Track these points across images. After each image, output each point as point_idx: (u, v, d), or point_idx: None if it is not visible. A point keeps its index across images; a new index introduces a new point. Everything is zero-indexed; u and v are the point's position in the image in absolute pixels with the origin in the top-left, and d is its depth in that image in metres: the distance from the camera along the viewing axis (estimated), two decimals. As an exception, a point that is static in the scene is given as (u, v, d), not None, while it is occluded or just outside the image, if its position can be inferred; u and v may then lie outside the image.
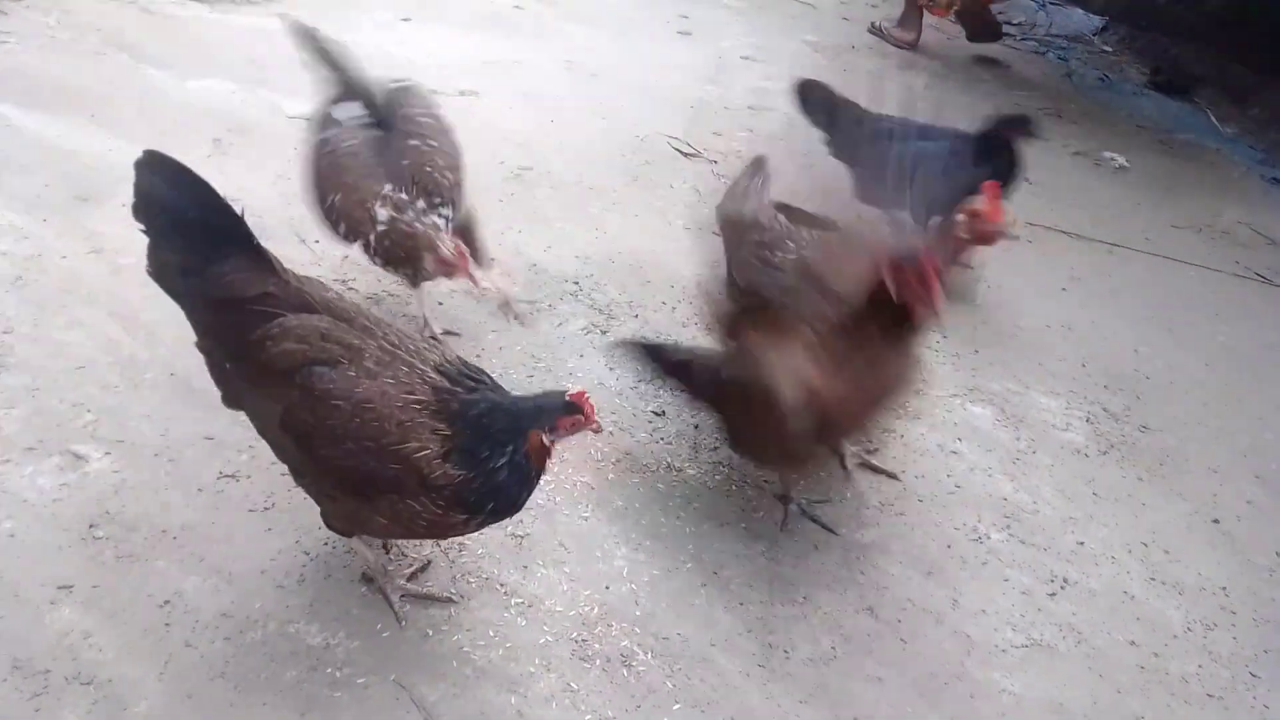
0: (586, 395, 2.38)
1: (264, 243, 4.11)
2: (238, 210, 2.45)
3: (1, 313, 3.48)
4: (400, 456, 2.26)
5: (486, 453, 2.30)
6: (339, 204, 3.36)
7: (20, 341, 3.34)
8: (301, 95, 5.39)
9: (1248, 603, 3.21)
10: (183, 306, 2.48)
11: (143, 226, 2.42)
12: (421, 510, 2.32)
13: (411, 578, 2.74)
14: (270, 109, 5.20)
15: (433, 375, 2.37)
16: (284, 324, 2.32)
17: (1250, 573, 3.34)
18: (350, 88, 3.69)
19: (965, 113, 6.96)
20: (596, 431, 2.50)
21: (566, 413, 2.36)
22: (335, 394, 2.28)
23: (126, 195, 4.21)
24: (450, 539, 2.80)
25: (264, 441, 3.04)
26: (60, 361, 3.28)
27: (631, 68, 6.71)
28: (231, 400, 2.57)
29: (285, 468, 2.99)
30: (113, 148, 4.50)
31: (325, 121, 3.62)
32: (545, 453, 2.36)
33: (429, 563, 2.80)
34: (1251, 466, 3.85)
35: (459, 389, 2.36)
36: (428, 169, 3.38)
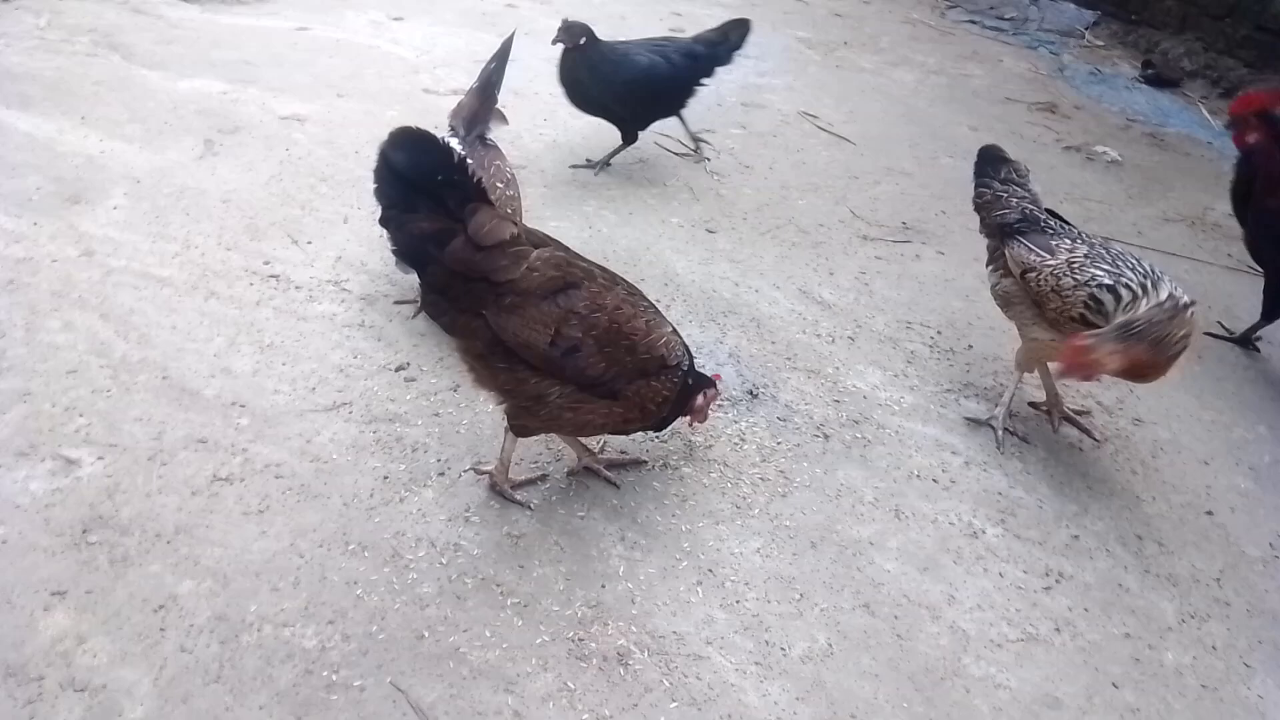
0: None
1: (258, 244, 4.13)
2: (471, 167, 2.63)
3: (-7, 317, 3.47)
4: (651, 345, 2.85)
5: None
6: None
7: (12, 345, 3.33)
8: (292, 95, 5.41)
9: (1241, 594, 3.22)
10: (429, 274, 2.69)
11: (391, 204, 2.62)
12: (659, 388, 2.89)
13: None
14: (261, 109, 5.19)
15: (640, 294, 2.96)
16: (540, 255, 2.72)
17: (1244, 564, 3.35)
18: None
19: (960, 107, 7.00)
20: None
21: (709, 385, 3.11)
22: (594, 308, 2.75)
23: (119, 196, 4.19)
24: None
25: (255, 444, 3.05)
26: (52, 365, 3.27)
27: (624, 65, 6.69)
28: (476, 354, 2.79)
29: (281, 468, 3.01)
30: (105, 149, 4.49)
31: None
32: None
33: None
34: (1244, 458, 3.86)
35: None
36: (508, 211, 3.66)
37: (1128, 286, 3.23)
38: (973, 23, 9.08)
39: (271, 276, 3.90)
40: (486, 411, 3.40)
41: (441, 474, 3.12)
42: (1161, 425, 3.98)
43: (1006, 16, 9.29)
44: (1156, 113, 7.48)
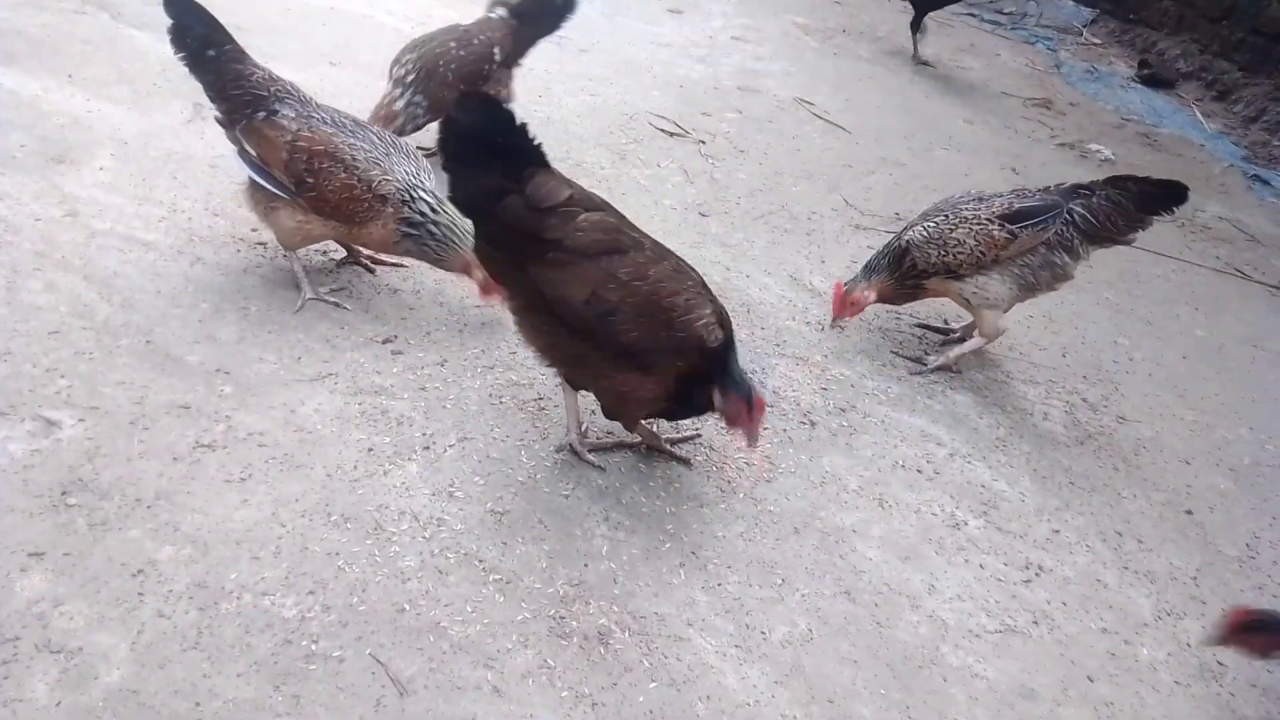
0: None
1: (245, 211, 4.07)
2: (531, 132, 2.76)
3: (-27, 275, 3.41)
4: (688, 324, 2.79)
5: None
6: None
7: (-8, 304, 3.28)
8: (283, 63, 5.32)
9: (1217, 592, 3.26)
10: (483, 227, 2.85)
11: (452, 158, 2.74)
12: (690, 370, 2.82)
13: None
14: (253, 75, 5.10)
15: (695, 276, 2.91)
16: (589, 218, 2.75)
17: (1220, 563, 3.39)
18: None
19: (956, 99, 6.99)
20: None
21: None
22: (637, 276, 2.74)
23: (105, 158, 4.13)
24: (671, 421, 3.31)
25: (238, 412, 3.02)
26: (33, 325, 3.22)
27: (621, 45, 6.66)
28: (520, 308, 2.91)
29: (265, 437, 2.98)
30: (91, 109, 4.41)
31: None
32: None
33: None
34: (1225, 459, 3.90)
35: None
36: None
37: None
38: (971, 15, 9.07)
39: (259, 244, 3.85)
40: (473, 387, 3.38)
41: (427, 448, 3.10)
42: (1145, 424, 4.01)
43: (1005, 11, 9.29)
44: (1150, 113, 7.50)
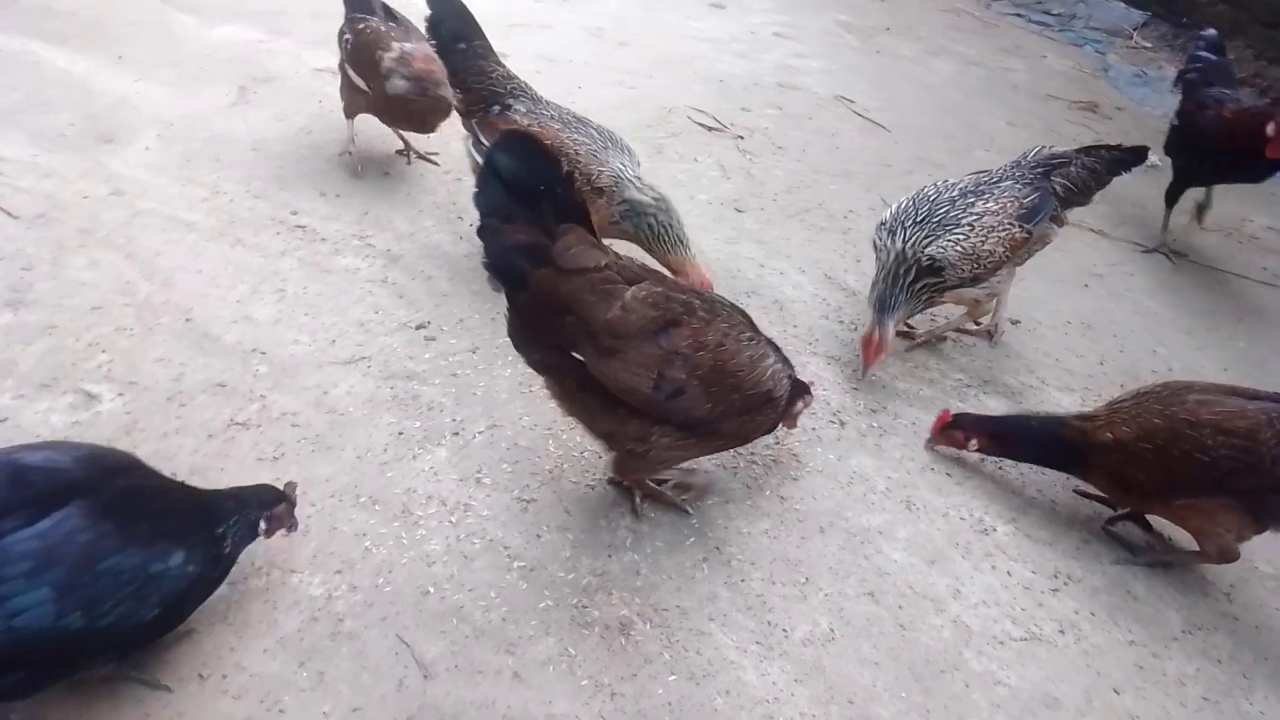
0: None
1: (286, 194, 4.13)
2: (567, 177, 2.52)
3: (21, 249, 3.49)
4: (757, 381, 2.68)
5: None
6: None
7: (39, 279, 3.35)
8: (326, 49, 5.38)
9: (1250, 609, 3.19)
10: (520, 300, 2.50)
11: (487, 211, 2.43)
12: (763, 420, 2.81)
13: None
14: (295, 60, 5.17)
15: (740, 317, 2.75)
16: (636, 294, 2.49)
17: (1255, 580, 3.32)
18: None
19: (998, 101, 6.90)
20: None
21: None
22: (698, 346, 2.55)
23: (150, 138, 4.20)
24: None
25: (273, 392, 3.05)
26: (77, 301, 3.29)
27: (661, 38, 6.65)
28: (571, 394, 2.66)
29: (298, 418, 3.02)
30: (137, 90, 4.49)
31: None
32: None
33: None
34: (1263, 474, 3.82)
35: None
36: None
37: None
38: (1018, 15, 8.94)
39: (298, 227, 3.90)
40: (504, 376, 3.40)
41: (456, 434, 3.13)
42: (1181, 434, 3.93)
43: (1053, 12, 9.14)
44: (1199, 119, 7.33)
